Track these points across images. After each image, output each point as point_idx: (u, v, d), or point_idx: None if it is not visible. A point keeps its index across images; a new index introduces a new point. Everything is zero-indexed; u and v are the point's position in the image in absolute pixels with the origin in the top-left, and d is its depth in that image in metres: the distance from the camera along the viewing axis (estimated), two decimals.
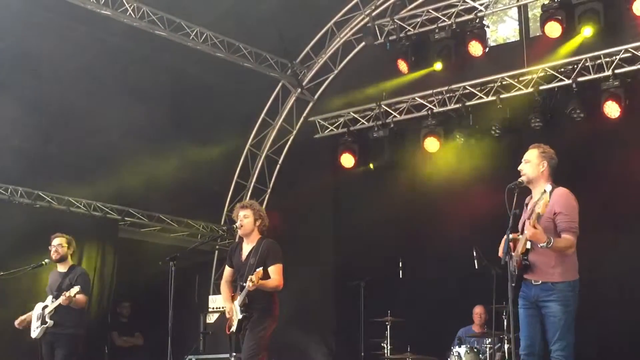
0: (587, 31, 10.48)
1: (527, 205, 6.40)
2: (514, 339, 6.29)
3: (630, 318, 9.79)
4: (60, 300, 8.43)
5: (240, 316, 7.36)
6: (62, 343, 8.61)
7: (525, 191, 6.39)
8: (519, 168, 6.39)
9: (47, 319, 8.57)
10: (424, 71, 11.98)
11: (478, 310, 10.65)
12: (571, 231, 6.10)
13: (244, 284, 7.29)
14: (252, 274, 7.12)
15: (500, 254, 6.32)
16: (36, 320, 8.71)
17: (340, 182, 12.99)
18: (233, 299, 7.60)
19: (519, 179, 6.32)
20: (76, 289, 8.39)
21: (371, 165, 12.46)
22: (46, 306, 8.65)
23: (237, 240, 7.88)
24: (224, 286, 7.82)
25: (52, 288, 8.79)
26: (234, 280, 7.75)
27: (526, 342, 6.24)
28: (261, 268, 7.17)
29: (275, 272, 7.36)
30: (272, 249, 7.47)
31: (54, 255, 8.84)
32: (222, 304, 7.89)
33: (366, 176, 12.58)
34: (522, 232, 6.21)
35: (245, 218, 7.54)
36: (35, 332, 8.68)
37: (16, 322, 8.91)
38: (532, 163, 6.37)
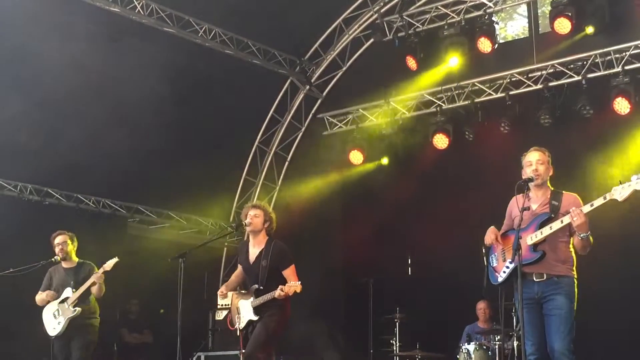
0: (590, 29, 10.48)
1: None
2: (523, 336, 6.24)
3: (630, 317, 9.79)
4: (94, 277, 8.56)
5: (255, 317, 7.39)
6: (82, 332, 8.68)
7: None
8: (536, 167, 6.29)
9: (72, 308, 8.60)
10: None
11: (481, 305, 10.62)
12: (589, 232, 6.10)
13: (261, 287, 7.38)
14: (289, 285, 7.14)
15: (486, 241, 6.44)
16: (54, 319, 8.69)
17: (349, 178, 12.98)
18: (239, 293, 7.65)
19: (529, 176, 6.28)
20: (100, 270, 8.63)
21: (384, 161, 12.46)
22: (63, 300, 8.67)
23: (245, 239, 7.86)
24: (232, 277, 7.85)
25: (63, 284, 8.80)
26: (244, 282, 7.76)
27: (534, 347, 6.16)
28: (299, 283, 7.16)
29: (292, 274, 7.41)
30: (283, 250, 7.53)
31: (60, 254, 8.88)
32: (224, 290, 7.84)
33: (375, 173, 12.58)
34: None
35: (255, 217, 7.57)
36: (56, 329, 8.65)
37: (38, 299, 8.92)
38: (546, 166, 6.36)
